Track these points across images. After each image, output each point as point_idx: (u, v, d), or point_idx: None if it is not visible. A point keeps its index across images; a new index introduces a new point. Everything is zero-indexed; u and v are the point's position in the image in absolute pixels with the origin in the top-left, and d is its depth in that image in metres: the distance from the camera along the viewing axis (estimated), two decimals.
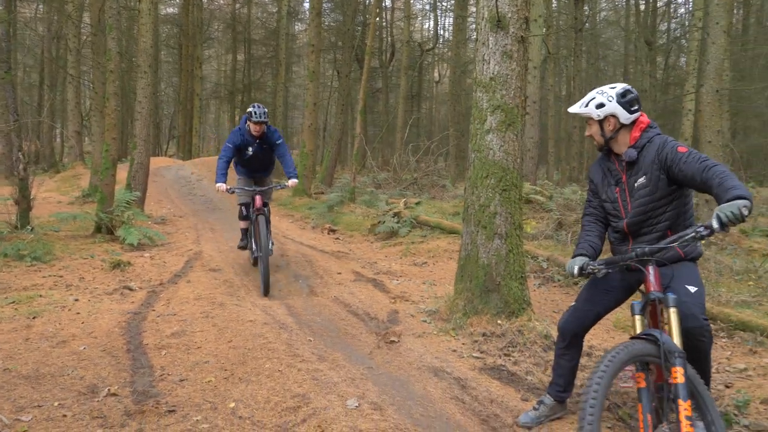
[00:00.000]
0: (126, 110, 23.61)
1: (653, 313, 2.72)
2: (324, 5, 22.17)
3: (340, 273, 6.68)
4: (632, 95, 2.93)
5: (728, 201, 2.37)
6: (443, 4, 32.40)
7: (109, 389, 3.36)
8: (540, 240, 8.14)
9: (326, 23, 26.72)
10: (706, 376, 2.73)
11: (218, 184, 6.01)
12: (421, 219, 9.29)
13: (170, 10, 29.08)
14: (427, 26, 39.03)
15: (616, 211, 3.01)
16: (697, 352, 2.65)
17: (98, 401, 3.22)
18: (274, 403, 3.25)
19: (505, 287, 4.55)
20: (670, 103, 22.96)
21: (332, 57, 27.96)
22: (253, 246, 6.28)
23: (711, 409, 2.42)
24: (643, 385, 2.43)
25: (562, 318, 3.14)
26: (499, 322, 4.47)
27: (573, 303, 3.14)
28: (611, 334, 4.85)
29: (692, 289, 2.70)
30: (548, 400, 3.17)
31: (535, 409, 3.17)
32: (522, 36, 4.61)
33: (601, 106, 2.94)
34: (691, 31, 14.92)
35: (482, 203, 4.59)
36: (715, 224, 2.35)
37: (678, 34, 25.21)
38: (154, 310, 4.96)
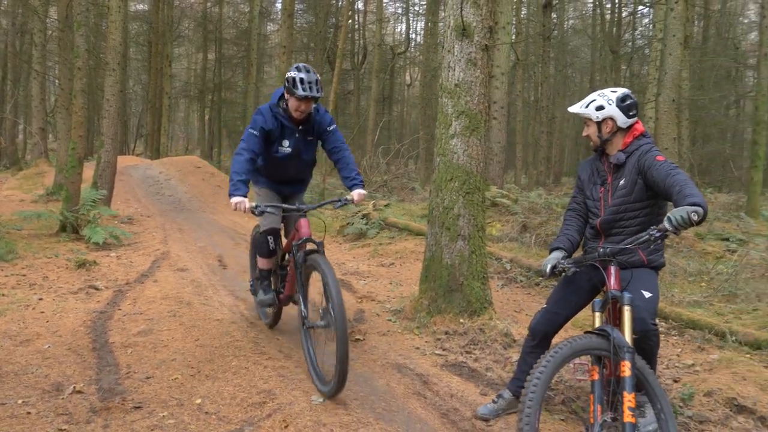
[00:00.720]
0: (93, 107, 23.16)
1: (611, 310, 2.88)
2: (296, 6, 22.18)
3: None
4: (631, 101, 3.03)
5: (683, 206, 2.49)
6: (415, 8, 32.72)
7: (74, 387, 3.38)
8: (504, 242, 8.35)
9: (298, 24, 26.72)
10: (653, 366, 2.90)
11: (235, 199, 3.65)
12: (389, 221, 9.42)
13: (140, 6, 28.66)
14: (399, 30, 39.32)
15: (596, 209, 3.14)
16: (643, 353, 2.81)
17: (63, 399, 3.25)
18: (240, 399, 3.32)
19: (467, 287, 4.70)
20: None
21: (304, 58, 27.94)
22: (302, 307, 3.72)
23: (661, 398, 2.58)
24: (596, 377, 2.58)
25: (534, 319, 3.21)
26: (461, 320, 4.62)
27: (544, 305, 3.23)
28: (569, 332, 5.04)
29: (646, 294, 2.85)
30: (507, 394, 3.28)
31: (494, 402, 3.29)
32: (486, 44, 4.77)
33: (600, 108, 3.03)
34: (651, 41, 15.45)
35: (446, 205, 4.73)
36: (667, 225, 2.48)
37: (641, 44, 25.97)
38: (120, 309, 4.97)
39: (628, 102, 3.03)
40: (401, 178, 16.92)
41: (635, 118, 3.05)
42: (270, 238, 4.19)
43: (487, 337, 4.44)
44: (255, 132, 3.88)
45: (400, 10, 34.70)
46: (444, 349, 4.29)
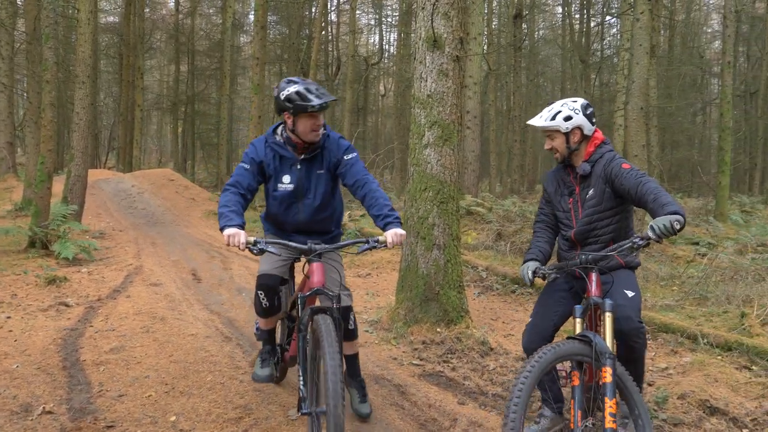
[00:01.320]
0: (63, 121, 22.77)
1: (592, 316, 2.90)
2: (269, 18, 22.15)
3: None
4: (591, 109, 3.09)
5: (664, 215, 2.53)
6: (388, 20, 32.98)
7: (44, 407, 3.29)
8: (480, 250, 8.41)
9: (271, 36, 26.68)
10: (639, 376, 2.91)
11: (228, 231, 2.84)
12: (365, 231, 9.42)
13: (110, 19, 28.34)
14: (372, 41, 39.57)
15: (568, 221, 3.14)
16: (631, 352, 2.85)
17: (32, 420, 3.16)
18: (216, 415, 3.28)
19: (443, 296, 4.72)
20: (604, 118, 24.12)
21: (278, 70, 27.91)
22: (301, 385, 2.78)
23: (639, 404, 2.60)
24: (576, 383, 2.60)
25: (524, 338, 3.17)
26: (438, 330, 4.64)
27: (530, 320, 3.21)
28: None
29: (629, 293, 2.89)
30: (547, 412, 3.19)
31: (536, 422, 3.20)
32: (457, 55, 4.83)
33: (568, 118, 3.03)
34: (619, 51, 15.81)
35: (421, 215, 4.76)
36: (650, 234, 2.52)
37: (609, 54, 26.56)
38: (92, 326, 4.86)
39: (589, 111, 3.07)
40: None
41: (594, 126, 3.10)
42: (262, 294, 3.15)
43: (464, 346, 4.46)
44: (245, 165, 3.16)
45: (373, 22, 34.97)
46: (421, 359, 4.30)
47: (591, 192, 3.03)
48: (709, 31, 31.30)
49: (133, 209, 13.65)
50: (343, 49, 28.26)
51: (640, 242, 2.62)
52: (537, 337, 3.10)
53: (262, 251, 2.81)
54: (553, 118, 3.06)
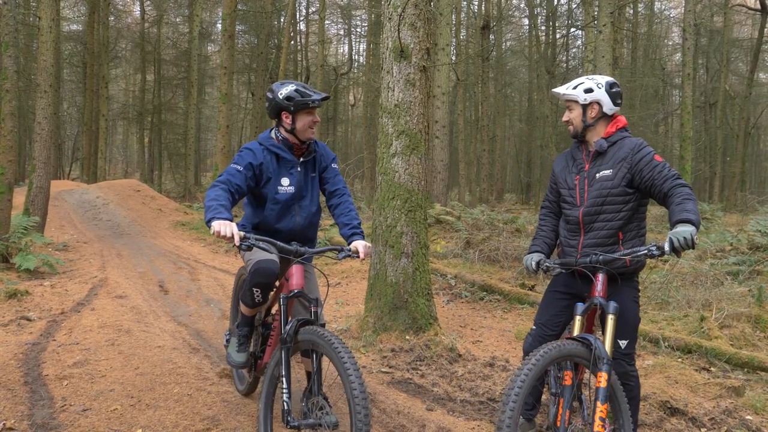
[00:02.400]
0: (24, 131, 22.20)
1: (590, 316, 2.89)
2: (237, 28, 22.05)
3: None
4: (618, 89, 2.95)
5: (680, 222, 2.48)
6: (357, 30, 33.17)
7: (4, 424, 3.20)
8: (449, 258, 8.49)
9: (240, 45, 26.56)
10: (633, 417, 2.92)
11: (216, 224, 2.66)
12: (335, 240, 9.41)
13: (74, 27, 27.79)
14: (341, 51, 39.71)
15: (571, 198, 2.99)
16: (625, 392, 2.80)
17: None
18: (183, 427, 3.23)
19: (412, 304, 4.76)
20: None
21: (246, 79, 27.76)
22: (285, 398, 2.71)
23: (624, 414, 2.63)
24: (569, 383, 2.62)
25: (526, 342, 3.11)
26: (407, 337, 4.67)
27: (533, 328, 3.10)
28: (513, 344, 5.17)
29: (623, 343, 2.85)
30: (532, 413, 3.18)
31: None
32: (424, 65, 4.91)
33: (589, 91, 2.92)
34: (584, 62, 16.22)
35: (389, 224, 4.80)
36: (666, 247, 2.45)
37: (574, 65, 27.19)
38: (54, 340, 4.74)
39: (615, 90, 2.95)
40: None
41: (619, 108, 2.98)
42: (258, 292, 3.09)
43: (432, 353, 4.50)
44: (238, 167, 3.04)
45: (342, 32, 35.11)
46: (390, 367, 4.32)
47: (607, 172, 2.88)
48: (670, 43, 32.36)
49: (98, 221, 13.37)
50: (312, 58, 28.30)
51: (656, 252, 2.53)
52: (539, 344, 2.96)
53: (250, 247, 2.73)
54: (574, 88, 2.96)
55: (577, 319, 2.76)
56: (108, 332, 4.93)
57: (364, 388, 2.48)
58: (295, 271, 2.90)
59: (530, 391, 2.47)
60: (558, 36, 27.26)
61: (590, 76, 2.99)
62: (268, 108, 3.23)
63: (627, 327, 2.89)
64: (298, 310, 3.14)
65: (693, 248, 2.42)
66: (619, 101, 2.95)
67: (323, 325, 2.84)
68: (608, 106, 2.92)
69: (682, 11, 16.71)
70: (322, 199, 3.39)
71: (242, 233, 2.72)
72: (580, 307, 2.77)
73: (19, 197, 9.92)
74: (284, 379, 2.74)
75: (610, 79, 2.97)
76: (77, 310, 5.73)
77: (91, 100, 22.56)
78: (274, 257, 3.06)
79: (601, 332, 2.86)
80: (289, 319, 2.90)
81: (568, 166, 3.08)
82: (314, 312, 2.83)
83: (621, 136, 2.93)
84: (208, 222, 2.73)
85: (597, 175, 2.90)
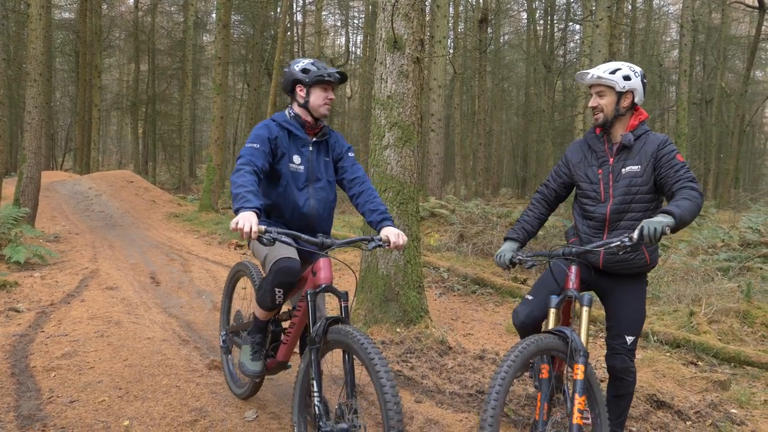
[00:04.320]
0: (15, 121, 22.02)
1: (566, 308, 2.89)
2: (233, 18, 21.90)
3: (245, 288, 6.64)
4: (646, 80, 2.85)
5: (661, 212, 2.44)
6: (354, 21, 33.04)
7: None
8: (442, 252, 8.49)
9: (235, 35, 26.39)
10: (623, 411, 2.93)
11: (242, 216, 2.51)
12: (338, 235, 9.38)
13: (66, 15, 27.53)
14: (338, 42, 39.55)
15: (595, 193, 2.87)
16: (620, 386, 2.85)
17: None
18: (171, 419, 3.22)
19: (403, 296, 4.75)
20: (566, 123, 24.69)
21: (242, 69, 27.60)
22: (318, 402, 2.59)
23: (600, 404, 2.64)
24: (545, 376, 2.61)
25: (521, 313, 3.01)
26: (398, 330, 4.66)
27: (529, 297, 3.03)
28: (504, 338, 5.18)
29: (629, 339, 2.85)
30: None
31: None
32: (418, 57, 4.88)
33: (627, 78, 2.78)
34: (581, 56, 16.20)
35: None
36: (635, 235, 2.41)
37: (572, 59, 27.18)
38: (43, 332, 4.72)
39: (645, 80, 2.84)
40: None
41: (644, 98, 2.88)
42: (280, 293, 2.88)
43: (423, 346, 4.50)
44: (255, 145, 2.90)
45: (339, 23, 34.99)
46: None
47: (636, 168, 2.77)
48: (668, 40, 32.39)
49: (90, 212, 13.30)
50: (309, 50, 28.18)
51: (627, 242, 2.48)
52: (532, 311, 2.96)
53: (273, 240, 2.53)
54: (613, 72, 2.80)
55: (552, 311, 2.74)
56: (97, 324, 4.91)
57: (396, 391, 2.33)
58: (323, 265, 2.72)
59: (509, 389, 2.49)
60: (556, 30, 27.23)
61: (625, 63, 2.85)
62: (283, 83, 3.14)
63: (636, 323, 2.88)
64: (318, 306, 2.96)
65: (658, 239, 2.37)
66: (645, 93, 2.88)
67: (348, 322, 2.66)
68: (640, 97, 2.83)
69: (681, 7, 16.70)
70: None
71: (263, 227, 2.51)
72: (554, 299, 2.74)
73: (10, 188, 9.86)
74: (314, 381, 2.59)
75: (641, 69, 2.86)
76: (67, 302, 5.70)
77: (84, 90, 22.40)
78: (294, 253, 2.89)
79: (608, 324, 2.85)
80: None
81: (586, 158, 2.94)
82: (344, 307, 2.67)
83: (644, 130, 2.84)
84: (236, 212, 2.57)
85: (623, 170, 2.79)
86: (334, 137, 3.21)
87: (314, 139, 3.11)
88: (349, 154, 3.21)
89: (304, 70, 3.01)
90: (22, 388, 3.60)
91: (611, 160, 2.84)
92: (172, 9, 29.69)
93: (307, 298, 2.73)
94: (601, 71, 2.82)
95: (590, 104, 2.86)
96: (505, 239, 3.09)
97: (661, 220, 2.38)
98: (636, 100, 2.81)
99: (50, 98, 22.70)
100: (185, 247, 9.79)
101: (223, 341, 3.64)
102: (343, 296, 2.68)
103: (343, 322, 2.61)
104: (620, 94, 2.79)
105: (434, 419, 3.36)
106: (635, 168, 2.76)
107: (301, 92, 3.05)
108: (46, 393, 3.53)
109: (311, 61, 3.06)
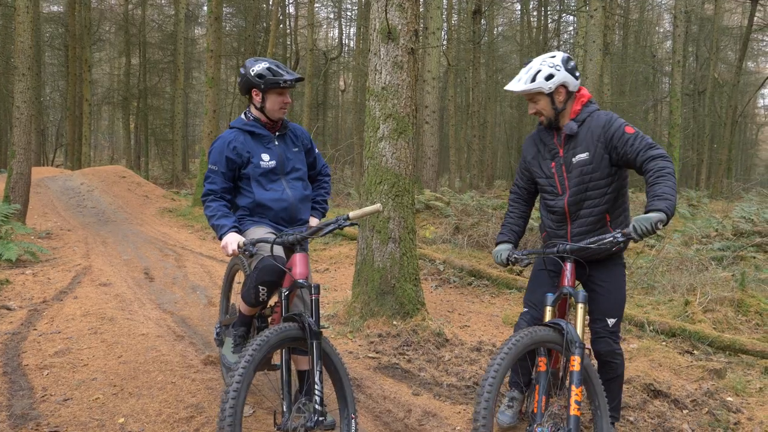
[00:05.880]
0: (4, 115, 21.80)
1: (562, 305, 2.89)
2: (225, 10, 21.74)
3: (239, 282, 6.60)
4: (573, 62, 2.81)
5: (650, 210, 2.42)
6: (347, 13, 32.85)
7: None
8: (438, 244, 8.47)
9: (227, 28, 26.21)
10: (614, 396, 2.93)
11: (227, 238, 2.84)
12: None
13: (55, 8, 27.23)
14: (332, 35, 39.35)
15: (552, 188, 2.88)
16: (608, 371, 2.85)
17: None
18: (167, 415, 3.20)
19: (399, 289, 4.73)
20: None
21: (234, 63, 27.43)
22: (283, 406, 2.54)
23: (599, 396, 2.65)
24: (543, 369, 2.61)
25: (520, 326, 3.02)
26: (394, 323, 4.64)
27: (524, 309, 3.04)
28: (501, 329, 5.17)
29: (611, 321, 2.87)
30: (518, 395, 3.19)
31: (509, 407, 3.18)
32: (412, 48, 4.83)
33: (550, 77, 2.73)
34: (575, 47, 16.18)
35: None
36: (632, 233, 2.40)
37: (566, 50, 27.12)
38: (35, 330, 4.67)
39: (571, 64, 2.80)
40: (337, 183, 16.87)
41: (579, 81, 2.84)
42: (263, 290, 2.88)
43: (419, 338, 4.48)
44: (214, 166, 3.04)
45: (332, 15, 34.78)
46: (377, 352, 4.30)
47: (584, 156, 2.76)
48: (661, 31, 32.39)
49: (82, 208, 13.20)
50: (302, 42, 28.01)
51: (621, 239, 2.48)
52: (531, 320, 2.97)
53: (254, 245, 2.72)
54: (533, 80, 2.75)
55: (548, 309, 2.76)
56: (91, 320, 4.86)
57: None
58: (299, 260, 2.75)
59: (503, 381, 2.45)
60: (550, 21, 27.17)
61: (542, 59, 2.80)
62: (239, 83, 3.18)
63: (616, 305, 2.91)
64: (296, 303, 2.97)
65: (654, 233, 2.38)
66: (578, 74, 2.82)
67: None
68: (573, 85, 2.78)
69: None
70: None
71: (240, 240, 2.74)
72: (549, 297, 2.76)
73: (0, 184, 9.75)
74: (281, 381, 2.57)
75: (563, 54, 2.82)
76: (60, 299, 5.65)
77: (74, 85, 22.16)
78: (279, 250, 2.91)
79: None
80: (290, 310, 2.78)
81: (540, 152, 2.94)
82: (314, 300, 2.65)
83: (588, 113, 2.80)
84: (220, 239, 2.87)
85: (573, 159, 2.79)
86: (293, 129, 3.30)
87: (277, 133, 3.19)
88: (315, 148, 3.39)
89: (260, 76, 3.03)
90: (14, 387, 3.56)
91: (561, 151, 2.85)
92: (163, 2, 29.43)
93: (281, 297, 2.78)
94: (522, 84, 2.78)
95: (529, 112, 2.87)
96: (497, 243, 3.10)
97: (651, 216, 2.38)
98: (570, 89, 2.78)
99: (40, 93, 22.47)
100: (179, 242, 9.73)
101: (217, 334, 3.63)
102: (315, 289, 2.67)
103: (293, 320, 2.57)
104: (551, 95, 2.77)
105: (432, 412, 3.35)
106: (584, 156, 2.76)
107: (257, 97, 3.10)
108: (39, 391, 3.49)
109: (267, 64, 3.05)
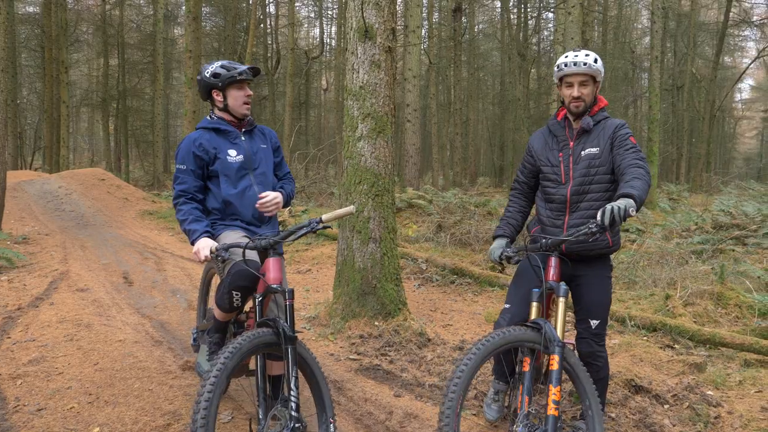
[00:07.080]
0: None
1: (548, 300, 2.87)
2: (204, 9, 21.50)
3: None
4: None
5: (621, 196, 2.44)
6: (328, 12, 32.70)
7: None
8: (420, 243, 8.45)
9: (207, 28, 25.95)
10: (600, 397, 2.87)
11: (199, 243, 2.78)
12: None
13: (30, 9, 26.72)
14: (313, 34, 39.15)
15: (556, 176, 2.91)
16: (593, 373, 2.80)
17: None
18: (143, 423, 3.13)
19: (381, 289, 4.69)
20: (541, 110, 24.83)
21: None
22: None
23: (591, 395, 2.61)
24: (527, 369, 2.59)
25: (501, 323, 2.98)
26: (376, 323, 4.61)
27: (506, 305, 3.01)
28: (483, 327, 5.16)
29: (594, 322, 2.85)
30: (502, 386, 3.18)
31: (495, 400, 3.19)
32: (389, 46, 4.79)
33: (598, 64, 2.81)
34: (554, 44, 16.26)
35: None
36: (598, 217, 2.39)
37: (546, 48, 27.29)
38: (9, 338, 4.56)
39: None
40: (319, 183, 16.80)
41: None
42: (237, 296, 2.83)
43: (401, 338, 4.45)
44: (182, 165, 3.00)
45: (313, 14, 34.61)
46: (359, 354, 4.26)
47: (594, 150, 2.82)
48: (639, 27, 32.67)
49: (60, 211, 12.97)
50: (283, 42, 27.82)
51: (594, 228, 2.47)
52: (514, 322, 2.92)
53: (225, 257, 2.65)
54: (596, 61, 2.79)
55: (534, 305, 2.74)
56: (67, 327, 4.76)
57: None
58: (272, 265, 2.68)
59: (470, 382, 2.44)
60: (529, 18, 27.28)
61: (579, 50, 2.84)
62: (199, 90, 3.18)
63: (599, 307, 2.90)
64: (271, 308, 2.92)
65: (624, 220, 2.36)
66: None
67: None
68: (600, 82, 2.89)
69: None
70: None
71: (213, 246, 2.69)
72: (535, 293, 2.75)
73: None
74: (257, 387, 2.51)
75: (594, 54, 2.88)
76: (35, 305, 5.53)
77: (51, 87, 21.77)
78: (252, 254, 2.86)
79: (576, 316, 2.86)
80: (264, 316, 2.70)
81: (548, 144, 2.99)
82: (288, 305, 2.58)
83: (604, 116, 2.89)
84: (193, 244, 2.83)
85: (583, 152, 2.84)
86: (260, 128, 3.29)
87: (244, 130, 3.18)
88: (281, 152, 3.37)
89: (215, 75, 3.04)
90: None
91: (571, 143, 2.90)
92: (141, 2, 29.03)
93: (255, 303, 2.72)
94: (591, 60, 2.79)
95: (574, 94, 2.83)
96: (494, 237, 3.11)
97: (623, 202, 2.38)
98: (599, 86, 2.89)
99: (16, 95, 22.02)
100: (159, 245, 9.60)
101: (194, 339, 3.56)
102: (289, 294, 2.60)
103: (268, 325, 2.53)
104: (597, 83, 2.86)
105: (414, 413, 3.32)
106: (594, 150, 2.82)
107: (218, 97, 3.10)
108: (12, 402, 3.41)
109: (220, 63, 3.08)
